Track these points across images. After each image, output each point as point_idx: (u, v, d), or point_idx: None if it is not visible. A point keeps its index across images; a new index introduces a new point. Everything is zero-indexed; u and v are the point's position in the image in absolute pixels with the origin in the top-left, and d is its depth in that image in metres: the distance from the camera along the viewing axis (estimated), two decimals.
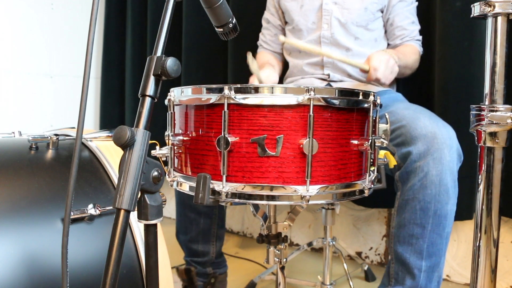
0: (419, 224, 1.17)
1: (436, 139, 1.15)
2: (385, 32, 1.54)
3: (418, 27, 1.53)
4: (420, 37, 1.53)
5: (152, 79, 0.65)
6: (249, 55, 1.21)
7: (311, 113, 0.77)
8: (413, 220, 1.18)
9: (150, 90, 0.65)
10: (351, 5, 1.45)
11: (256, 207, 1.02)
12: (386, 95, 1.44)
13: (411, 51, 1.48)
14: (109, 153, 1.02)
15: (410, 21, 1.51)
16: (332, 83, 1.48)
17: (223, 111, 0.79)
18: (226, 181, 0.80)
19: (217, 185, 0.80)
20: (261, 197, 0.80)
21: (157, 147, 0.89)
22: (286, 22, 1.62)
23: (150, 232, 0.67)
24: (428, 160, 1.14)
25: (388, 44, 1.55)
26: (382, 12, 1.50)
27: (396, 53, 1.37)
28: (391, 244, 1.26)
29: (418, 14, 1.54)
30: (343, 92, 0.82)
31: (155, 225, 0.67)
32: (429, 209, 1.15)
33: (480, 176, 0.74)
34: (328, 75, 1.47)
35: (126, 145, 0.61)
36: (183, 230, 1.51)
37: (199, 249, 1.50)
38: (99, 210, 0.88)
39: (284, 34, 1.61)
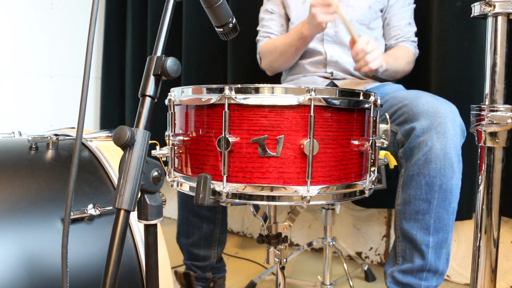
0: (425, 199, 1.16)
1: (439, 113, 1.14)
2: (383, 32, 1.54)
3: (414, 29, 1.53)
4: (416, 39, 1.53)
5: (152, 79, 0.65)
6: None
7: (311, 113, 0.77)
8: (418, 196, 1.16)
9: (150, 90, 0.65)
10: (356, 3, 1.45)
11: (257, 207, 1.02)
12: (387, 86, 1.45)
13: (403, 54, 1.48)
14: (109, 153, 1.02)
15: (406, 22, 1.51)
16: (335, 81, 1.48)
17: (223, 111, 0.79)
18: (227, 181, 0.80)
19: (217, 186, 0.80)
20: (261, 198, 0.80)
21: (157, 147, 0.89)
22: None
23: (150, 232, 0.67)
24: (431, 134, 1.13)
25: (385, 45, 1.55)
26: (381, 11, 1.51)
27: (385, 57, 1.37)
28: (396, 221, 1.24)
29: (417, 14, 1.54)
30: (344, 93, 0.82)
31: (155, 225, 0.67)
32: (435, 183, 1.14)
33: (480, 176, 0.74)
34: (332, 73, 1.48)
35: (126, 145, 0.61)
36: (185, 233, 1.50)
37: (200, 254, 1.49)
38: (99, 210, 0.88)
39: (288, 25, 1.60)
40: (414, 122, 1.17)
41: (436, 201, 1.15)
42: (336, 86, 1.48)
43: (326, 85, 1.48)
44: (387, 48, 1.55)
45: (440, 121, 1.13)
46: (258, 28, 1.65)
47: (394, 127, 1.24)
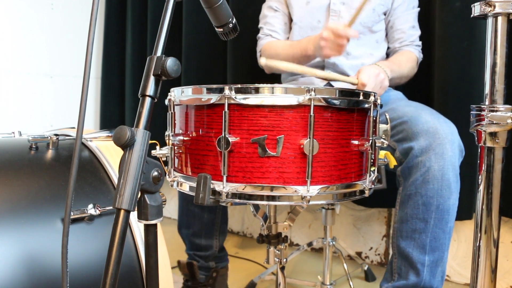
0: (421, 219, 1.17)
1: (437, 134, 1.15)
2: (386, 34, 1.54)
3: (418, 32, 1.53)
4: (420, 43, 1.53)
5: (152, 79, 0.65)
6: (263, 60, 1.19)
7: (311, 113, 0.77)
8: (415, 215, 1.17)
9: (150, 90, 0.65)
10: (359, 5, 1.45)
11: (257, 207, 1.02)
12: (386, 94, 1.44)
13: (407, 59, 1.47)
14: (109, 153, 1.02)
15: (410, 25, 1.51)
16: (332, 82, 1.48)
17: (223, 111, 0.79)
18: (227, 181, 0.80)
19: (217, 185, 0.80)
20: (261, 198, 0.80)
21: (157, 147, 0.89)
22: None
23: (150, 232, 0.67)
24: (430, 155, 1.14)
25: (388, 47, 1.55)
26: (385, 14, 1.50)
27: (389, 65, 1.37)
28: (393, 239, 1.25)
29: (418, 14, 1.54)
30: (344, 93, 0.82)
31: (155, 225, 0.67)
32: (432, 204, 1.15)
33: (480, 176, 0.74)
34: (328, 72, 1.47)
35: (126, 145, 0.61)
36: (186, 224, 1.50)
37: (202, 243, 1.50)
38: (99, 210, 0.88)
39: (291, 25, 1.59)
40: (413, 141, 1.18)
41: (433, 221, 1.16)
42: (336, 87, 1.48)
43: (324, 86, 1.48)
44: (390, 52, 1.55)
45: (439, 142, 1.14)
46: (260, 25, 1.63)
47: (393, 143, 1.25)
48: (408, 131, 1.20)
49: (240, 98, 0.78)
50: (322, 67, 1.48)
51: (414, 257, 1.18)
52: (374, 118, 0.88)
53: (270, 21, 1.60)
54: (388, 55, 1.55)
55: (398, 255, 1.23)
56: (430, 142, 1.15)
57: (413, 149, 1.17)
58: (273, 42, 1.57)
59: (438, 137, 1.15)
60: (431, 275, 1.19)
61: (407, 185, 1.19)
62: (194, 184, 0.80)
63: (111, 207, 0.90)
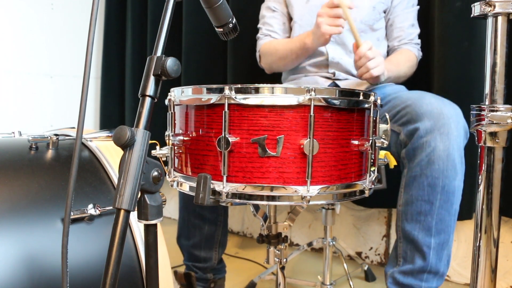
0: (427, 201, 1.15)
1: (442, 114, 1.14)
2: (386, 33, 1.54)
3: (418, 30, 1.53)
4: (419, 41, 1.53)
5: (152, 79, 0.65)
6: None
7: (311, 113, 0.77)
8: (420, 197, 1.16)
9: (150, 90, 0.65)
10: (360, 4, 1.45)
11: (257, 207, 1.02)
12: (389, 87, 1.45)
13: (405, 58, 1.47)
14: (109, 153, 1.02)
15: (410, 24, 1.51)
16: (337, 81, 1.48)
17: (223, 111, 0.79)
18: (227, 181, 0.80)
19: (217, 186, 0.80)
20: (261, 198, 0.80)
21: (157, 147, 0.89)
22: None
23: (150, 232, 0.67)
24: (435, 135, 1.13)
25: (387, 46, 1.55)
26: (385, 12, 1.50)
27: (386, 64, 1.36)
28: (398, 222, 1.23)
29: (418, 14, 1.54)
30: (344, 93, 0.82)
31: (155, 225, 0.67)
32: (437, 184, 1.14)
33: (480, 176, 0.74)
34: (334, 73, 1.47)
35: (126, 145, 0.61)
36: (186, 235, 1.49)
37: (201, 255, 1.48)
38: (99, 210, 0.88)
39: (289, 24, 1.59)
40: (418, 122, 1.16)
41: (438, 202, 1.15)
42: (338, 86, 1.48)
43: (328, 85, 1.48)
44: (389, 50, 1.55)
45: (443, 122, 1.13)
46: (259, 26, 1.63)
47: (397, 127, 1.24)
48: (412, 113, 1.19)
49: (240, 98, 0.78)
50: (326, 66, 1.49)
51: (420, 240, 1.17)
52: (374, 118, 0.88)
53: (269, 22, 1.60)
54: (387, 53, 1.55)
55: (403, 239, 1.21)
56: (435, 122, 1.13)
57: (418, 129, 1.15)
58: (272, 41, 1.57)
59: (443, 117, 1.13)
60: (437, 259, 1.17)
61: (412, 166, 1.17)
62: (194, 184, 0.80)
63: (111, 207, 0.90)
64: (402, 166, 1.24)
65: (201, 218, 1.46)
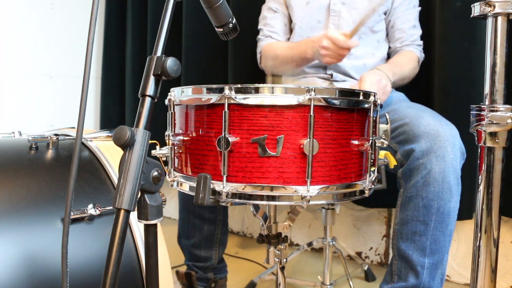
0: (422, 221, 1.17)
1: (439, 136, 1.15)
2: (387, 34, 1.54)
3: (419, 32, 1.52)
4: (421, 42, 1.52)
5: (152, 79, 0.65)
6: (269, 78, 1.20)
7: (311, 113, 0.77)
8: (416, 217, 1.17)
9: (150, 90, 0.65)
10: (360, 5, 1.44)
11: (256, 207, 1.02)
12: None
13: (408, 59, 1.47)
14: (109, 153, 1.02)
15: (411, 25, 1.50)
16: (334, 83, 1.48)
17: (223, 111, 0.79)
18: (227, 181, 0.80)
19: (217, 185, 0.80)
20: (261, 198, 0.80)
21: (157, 147, 0.89)
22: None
23: (150, 232, 0.67)
24: (431, 157, 1.14)
25: (389, 47, 1.55)
26: (385, 14, 1.50)
27: (391, 67, 1.36)
28: (393, 240, 1.25)
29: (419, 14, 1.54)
30: (344, 92, 0.82)
31: (155, 225, 0.67)
32: (432, 206, 1.15)
33: (480, 176, 0.75)
34: (331, 75, 1.47)
35: (126, 145, 0.61)
36: (186, 235, 1.50)
37: (201, 255, 1.49)
38: (99, 210, 0.88)
39: (291, 26, 1.59)
40: (414, 143, 1.17)
41: (433, 223, 1.16)
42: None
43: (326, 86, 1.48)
44: (391, 51, 1.55)
45: (440, 144, 1.14)
46: (260, 27, 1.63)
47: (394, 145, 1.25)
48: (410, 133, 1.20)
49: (240, 98, 0.78)
50: (324, 67, 1.49)
51: (414, 259, 1.18)
52: (374, 118, 0.88)
53: (270, 22, 1.59)
54: (389, 55, 1.55)
55: (398, 257, 1.23)
56: (431, 145, 1.15)
57: (414, 151, 1.17)
58: (272, 44, 1.57)
59: (439, 140, 1.15)
60: (430, 278, 1.19)
61: (408, 187, 1.19)
62: (194, 184, 0.80)
63: (111, 207, 0.90)
64: (398, 186, 1.26)
65: (200, 217, 1.46)
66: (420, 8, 1.53)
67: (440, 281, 1.21)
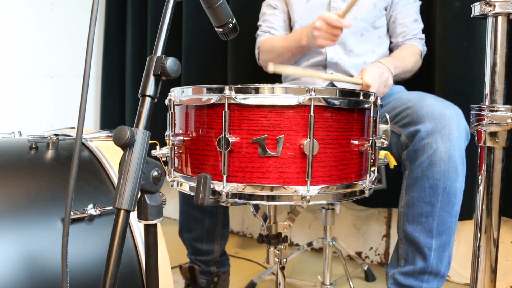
0: (428, 202, 1.15)
1: (443, 115, 1.14)
2: (388, 30, 1.54)
3: (421, 25, 1.52)
4: (423, 36, 1.53)
5: (152, 79, 0.65)
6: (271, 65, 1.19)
7: (311, 113, 0.77)
8: (422, 198, 1.16)
9: (150, 90, 0.65)
10: (361, 1, 1.44)
11: (257, 207, 1.02)
12: None
13: (410, 53, 1.47)
14: (109, 153, 1.02)
15: (413, 19, 1.50)
16: (335, 83, 1.48)
17: (223, 111, 0.79)
18: (227, 181, 0.80)
19: (217, 185, 0.80)
20: (261, 198, 0.80)
21: (157, 147, 0.89)
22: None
23: (150, 232, 0.67)
24: (436, 137, 1.13)
25: (391, 42, 1.55)
26: (386, 9, 1.50)
27: (393, 61, 1.36)
28: (399, 223, 1.23)
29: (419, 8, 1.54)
30: (344, 93, 0.82)
31: (155, 225, 0.67)
32: (439, 186, 1.14)
33: (480, 176, 0.75)
34: (332, 74, 1.47)
35: (126, 145, 0.61)
36: (187, 228, 1.51)
37: (203, 248, 1.50)
38: (99, 210, 0.88)
39: (291, 23, 1.59)
40: (419, 124, 1.16)
41: (440, 204, 1.15)
42: (336, 87, 1.47)
43: (326, 86, 1.48)
44: (394, 46, 1.55)
45: (445, 123, 1.13)
46: (259, 23, 1.63)
47: (398, 129, 1.24)
48: (413, 115, 1.19)
49: (240, 98, 0.78)
50: (324, 66, 1.48)
51: (421, 242, 1.17)
52: (374, 118, 0.88)
53: (269, 19, 1.60)
54: (391, 50, 1.55)
55: (404, 240, 1.22)
56: (436, 124, 1.14)
57: (420, 131, 1.15)
58: (270, 38, 1.58)
59: (444, 119, 1.14)
60: (438, 260, 1.17)
61: (413, 168, 1.18)
62: (194, 184, 0.80)
63: (111, 207, 0.90)
64: (403, 168, 1.24)
65: (201, 211, 1.47)
66: (420, 2, 1.53)
67: (448, 264, 1.20)
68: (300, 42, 1.40)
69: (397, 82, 1.54)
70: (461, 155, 1.14)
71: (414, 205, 1.18)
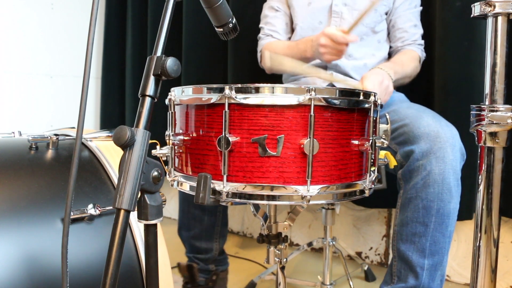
0: (421, 223, 1.17)
1: (439, 137, 1.15)
2: (388, 34, 1.54)
3: (421, 31, 1.52)
4: (422, 42, 1.52)
5: (152, 79, 0.65)
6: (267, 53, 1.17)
7: (312, 113, 0.77)
8: (415, 219, 1.18)
9: (150, 90, 0.65)
10: (362, 6, 1.44)
11: (257, 207, 1.02)
12: None
13: (409, 58, 1.47)
14: (109, 153, 1.02)
15: (412, 24, 1.50)
16: (334, 83, 1.48)
17: (224, 111, 0.79)
18: (227, 181, 0.80)
19: (217, 185, 0.80)
20: (261, 197, 0.80)
21: (158, 146, 0.89)
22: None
23: (150, 232, 0.67)
24: (431, 158, 1.14)
25: (390, 47, 1.55)
26: (386, 14, 1.50)
27: (392, 66, 1.36)
28: (393, 241, 1.25)
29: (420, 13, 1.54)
30: (344, 92, 0.82)
31: (155, 225, 0.67)
32: (432, 207, 1.15)
33: (480, 176, 0.74)
34: (331, 74, 1.47)
35: (126, 145, 0.61)
36: (186, 226, 1.51)
37: (202, 246, 1.50)
38: (99, 210, 0.88)
39: (292, 25, 1.59)
40: (414, 144, 1.17)
41: (433, 224, 1.16)
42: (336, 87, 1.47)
43: (326, 86, 1.48)
44: (393, 51, 1.55)
45: (440, 146, 1.14)
46: (261, 25, 1.63)
47: (394, 146, 1.25)
48: (409, 134, 1.20)
49: (241, 98, 0.78)
50: (324, 67, 1.48)
51: (414, 261, 1.19)
52: (374, 118, 0.88)
53: (271, 21, 1.59)
54: (390, 55, 1.55)
55: (398, 258, 1.23)
56: (431, 146, 1.15)
57: (414, 152, 1.17)
58: (273, 43, 1.57)
59: (439, 141, 1.15)
60: (430, 279, 1.19)
61: (407, 188, 1.20)
62: (194, 184, 0.80)
63: (111, 207, 0.90)
64: (398, 187, 1.26)
65: (200, 209, 1.48)
66: (421, 8, 1.53)
67: (440, 282, 1.22)
68: (304, 53, 1.40)
69: (396, 87, 1.54)
70: (455, 177, 1.15)
71: (407, 225, 1.20)
